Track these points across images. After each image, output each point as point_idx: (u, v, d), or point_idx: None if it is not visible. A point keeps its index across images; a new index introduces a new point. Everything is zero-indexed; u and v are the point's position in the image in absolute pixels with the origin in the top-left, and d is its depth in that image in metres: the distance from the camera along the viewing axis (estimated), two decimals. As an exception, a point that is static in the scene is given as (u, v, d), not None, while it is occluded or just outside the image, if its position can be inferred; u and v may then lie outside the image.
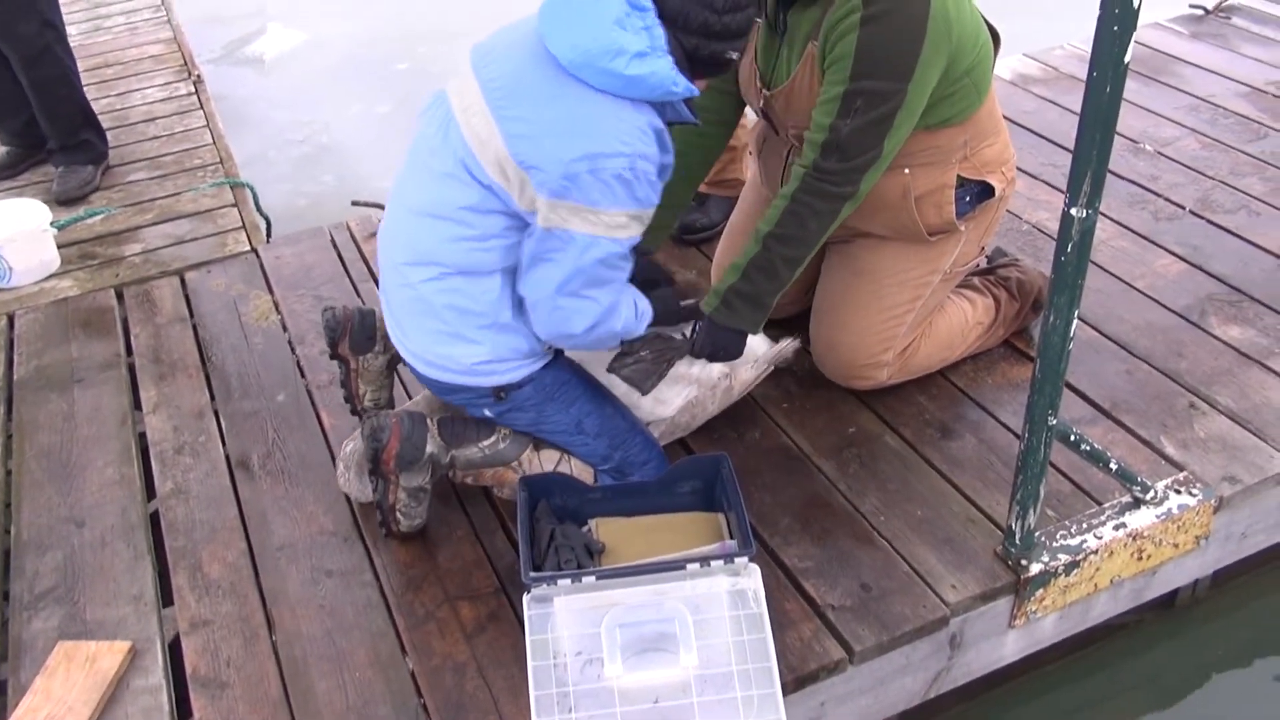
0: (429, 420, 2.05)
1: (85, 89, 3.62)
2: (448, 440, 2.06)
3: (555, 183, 1.78)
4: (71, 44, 3.57)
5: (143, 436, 2.47)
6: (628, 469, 2.09)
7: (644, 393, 2.14)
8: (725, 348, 2.14)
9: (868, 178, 2.02)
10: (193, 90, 4.28)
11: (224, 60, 5.67)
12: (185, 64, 4.52)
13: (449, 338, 1.96)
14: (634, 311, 2.01)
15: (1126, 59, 1.44)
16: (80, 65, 3.61)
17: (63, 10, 3.49)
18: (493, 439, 2.08)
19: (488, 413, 2.06)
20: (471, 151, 1.85)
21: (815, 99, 2.05)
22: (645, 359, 2.13)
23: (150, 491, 2.33)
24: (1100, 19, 1.43)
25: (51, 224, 3.12)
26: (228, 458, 2.37)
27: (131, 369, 2.70)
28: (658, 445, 2.15)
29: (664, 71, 1.75)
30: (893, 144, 2.01)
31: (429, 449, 2.02)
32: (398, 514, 2.06)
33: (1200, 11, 4.24)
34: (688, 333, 2.17)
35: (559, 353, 2.08)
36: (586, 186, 1.77)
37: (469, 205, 1.87)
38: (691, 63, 1.82)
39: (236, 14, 6.12)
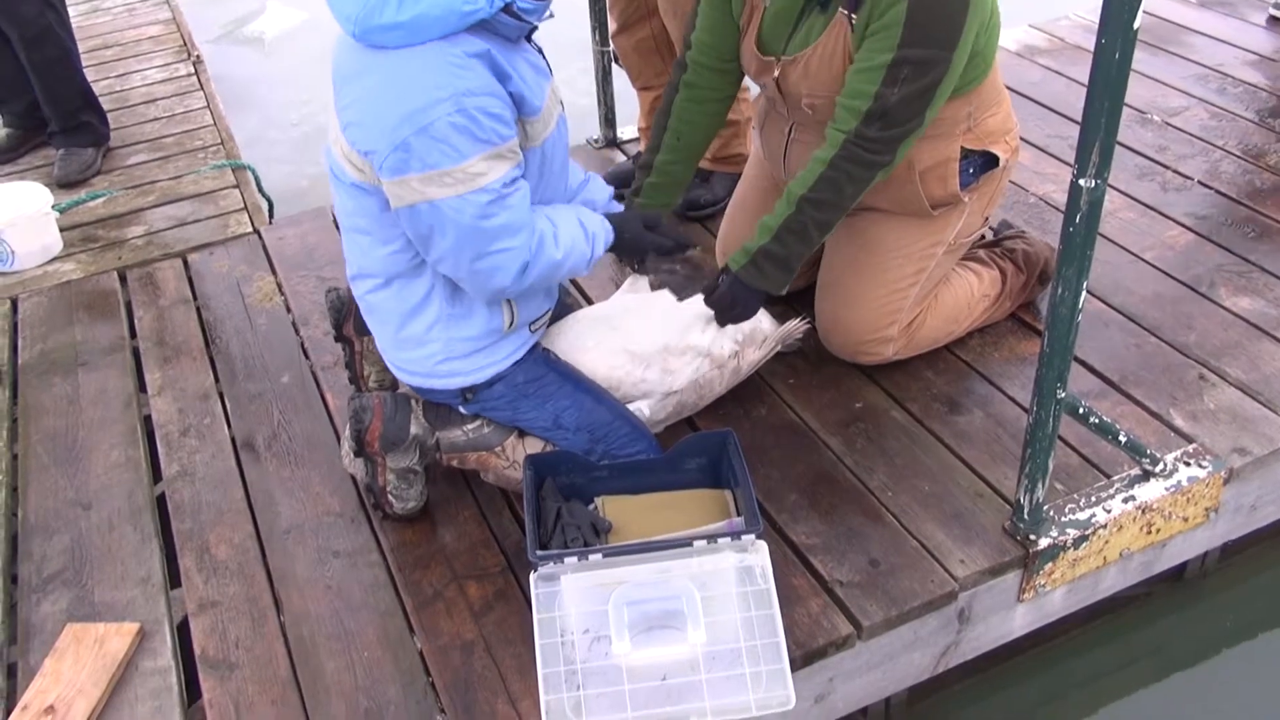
0: (413, 401, 2.04)
1: (85, 71, 3.60)
2: (432, 422, 2.04)
3: (390, 159, 1.67)
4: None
5: (148, 419, 2.47)
6: (613, 461, 2.06)
7: (680, 299, 2.15)
8: (743, 305, 2.14)
9: (904, 146, 2.02)
10: (192, 71, 4.26)
11: (223, 40, 5.64)
12: (184, 44, 4.50)
13: (403, 342, 1.97)
14: (575, 226, 1.91)
15: (1136, 24, 1.42)
16: (79, 47, 3.59)
17: (62, -9, 3.48)
18: (477, 423, 2.06)
19: (464, 410, 2.05)
20: (334, 157, 1.83)
21: (836, 68, 2.03)
22: (679, 273, 2.16)
23: (156, 474, 2.33)
24: (1108, -16, 1.40)
25: (53, 207, 3.12)
26: (233, 440, 2.37)
27: (136, 352, 2.70)
28: (647, 434, 2.10)
29: None
30: (933, 113, 2.00)
31: (413, 430, 2.01)
32: (389, 496, 2.05)
33: (1208, -21, 4.20)
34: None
35: (533, 348, 2.05)
36: (423, 151, 1.65)
37: (361, 211, 1.84)
38: None
39: (235, -7, 6.09)
